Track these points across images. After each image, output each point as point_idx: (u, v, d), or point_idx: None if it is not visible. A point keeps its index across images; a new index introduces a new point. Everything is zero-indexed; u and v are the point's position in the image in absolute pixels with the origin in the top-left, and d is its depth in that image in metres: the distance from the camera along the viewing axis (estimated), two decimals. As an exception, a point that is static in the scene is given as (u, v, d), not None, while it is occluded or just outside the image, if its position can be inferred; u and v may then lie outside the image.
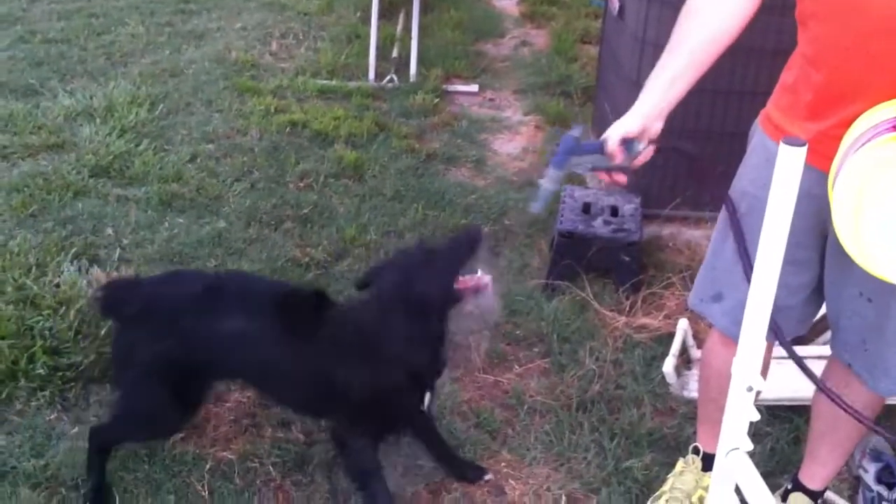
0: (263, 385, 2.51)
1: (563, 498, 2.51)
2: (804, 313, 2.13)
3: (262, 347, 2.30)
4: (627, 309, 3.30)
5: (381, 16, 5.83)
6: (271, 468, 2.57)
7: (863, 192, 1.47)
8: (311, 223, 3.88)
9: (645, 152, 1.85)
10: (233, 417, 2.76)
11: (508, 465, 2.63)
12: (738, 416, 1.56)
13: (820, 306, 2.13)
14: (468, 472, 2.57)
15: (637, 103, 1.85)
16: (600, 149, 1.83)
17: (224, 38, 6.35)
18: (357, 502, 2.43)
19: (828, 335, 2.48)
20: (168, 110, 5.00)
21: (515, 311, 3.32)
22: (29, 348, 2.84)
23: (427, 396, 2.32)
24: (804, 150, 1.31)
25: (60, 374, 2.81)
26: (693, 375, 2.96)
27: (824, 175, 1.65)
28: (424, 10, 6.29)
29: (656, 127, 1.84)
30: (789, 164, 1.32)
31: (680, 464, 2.49)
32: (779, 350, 1.74)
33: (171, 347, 2.28)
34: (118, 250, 3.57)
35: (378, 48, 5.70)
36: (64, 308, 3.02)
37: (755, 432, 2.60)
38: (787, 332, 2.15)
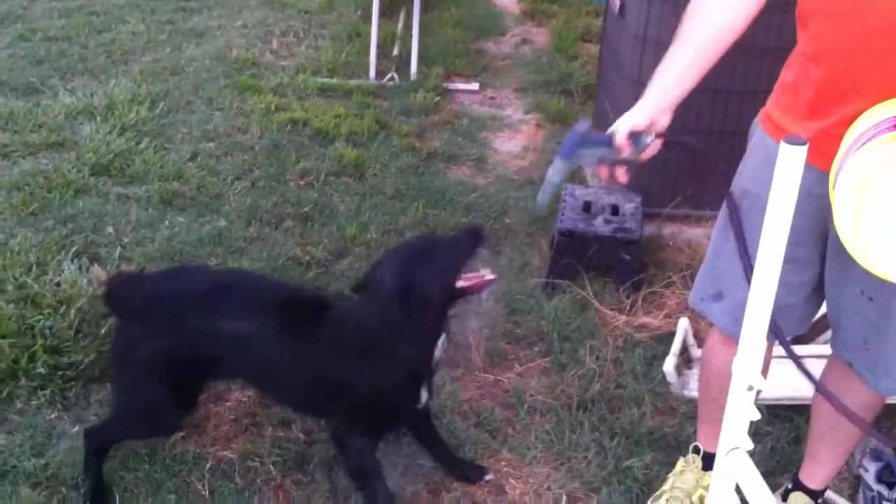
0: (263, 384, 2.51)
1: (564, 497, 2.51)
2: (804, 312, 2.13)
3: (262, 347, 2.30)
4: (628, 308, 3.30)
5: (381, 14, 5.82)
6: (272, 467, 2.57)
7: (863, 192, 1.46)
8: (312, 221, 3.88)
9: (652, 146, 1.84)
10: (233, 417, 2.76)
11: (509, 465, 2.63)
12: (739, 416, 1.55)
13: (820, 305, 2.13)
14: (468, 472, 2.57)
15: (645, 97, 1.85)
16: (608, 142, 1.82)
17: (225, 36, 6.34)
18: (357, 501, 2.43)
19: (828, 334, 2.48)
20: (169, 108, 5.00)
21: (516, 310, 3.32)
22: (29, 347, 2.84)
23: (424, 394, 2.32)
24: (805, 149, 1.31)
25: (61, 373, 2.81)
26: (693, 375, 2.96)
27: (825, 174, 1.65)
28: (425, 8, 6.28)
29: (664, 120, 1.84)
30: (790, 163, 1.32)
31: (680, 463, 2.48)
32: (779, 349, 1.74)
33: (173, 344, 2.28)
34: (119, 249, 3.57)
35: (379, 46, 5.70)
36: (64, 307, 3.03)
37: (755, 431, 2.60)
38: (787, 331, 2.14)
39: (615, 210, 3.58)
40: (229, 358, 2.34)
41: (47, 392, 2.76)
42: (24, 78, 5.33)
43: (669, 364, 2.92)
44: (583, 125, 1.88)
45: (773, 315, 1.47)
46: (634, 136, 1.81)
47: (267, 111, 4.97)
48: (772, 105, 2.00)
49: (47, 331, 2.91)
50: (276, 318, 2.30)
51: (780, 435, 2.69)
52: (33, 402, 2.74)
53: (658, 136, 1.84)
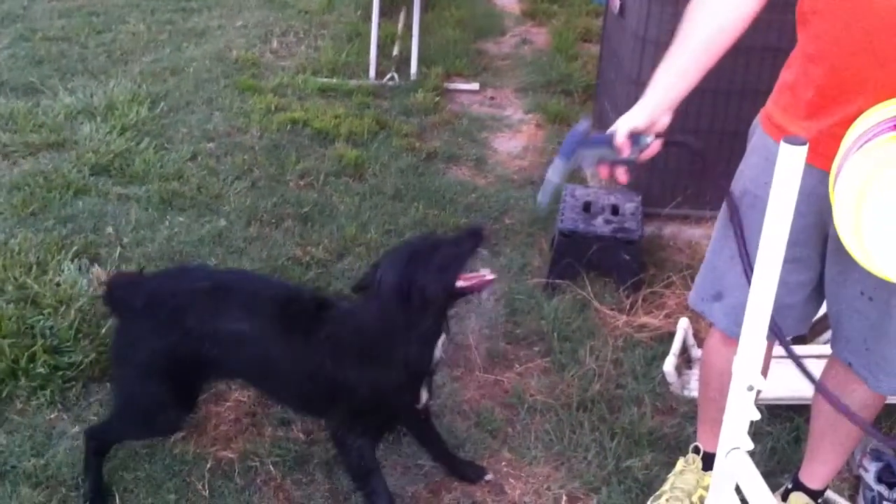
0: (263, 384, 2.51)
1: (564, 497, 2.51)
2: (804, 312, 2.13)
3: (262, 347, 2.30)
4: (628, 308, 3.30)
5: (381, 14, 5.83)
6: (272, 467, 2.57)
7: (864, 192, 1.46)
8: (312, 222, 3.88)
9: (652, 146, 1.84)
10: (233, 417, 2.76)
11: (509, 465, 2.63)
12: (739, 416, 1.55)
13: (820, 305, 2.13)
14: (468, 472, 2.57)
15: (645, 97, 1.85)
16: (608, 142, 1.82)
17: (225, 36, 6.35)
18: (357, 501, 2.43)
19: (828, 334, 2.48)
20: (169, 108, 5.00)
21: (516, 310, 3.32)
22: (29, 347, 2.84)
23: (424, 395, 2.32)
24: (805, 149, 1.31)
25: (61, 373, 2.81)
26: (693, 375, 2.96)
27: (825, 174, 1.65)
28: (425, 8, 6.29)
29: (664, 121, 1.84)
30: (790, 163, 1.32)
31: (680, 463, 2.48)
32: (779, 349, 1.74)
33: (173, 344, 2.28)
34: (119, 249, 3.57)
35: (379, 46, 5.71)
36: (64, 307, 3.03)
37: (755, 432, 2.60)
38: (786, 331, 2.15)
39: (615, 210, 3.58)
40: (229, 358, 2.34)
41: (47, 392, 2.75)
42: (24, 78, 5.34)
43: (669, 364, 2.91)
44: (583, 125, 1.87)
45: (772, 315, 1.47)
46: (634, 136, 1.81)
47: (267, 111, 4.98)
48: (772, 105, 1.99)
49: (47, 331, 2.91)
50: (276, 319, 2.30)
51: (780, 435, 2.69)
52: (33, 403, 2.74)
53: (658, 136, 1.84)
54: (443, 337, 2.23)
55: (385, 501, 2.31)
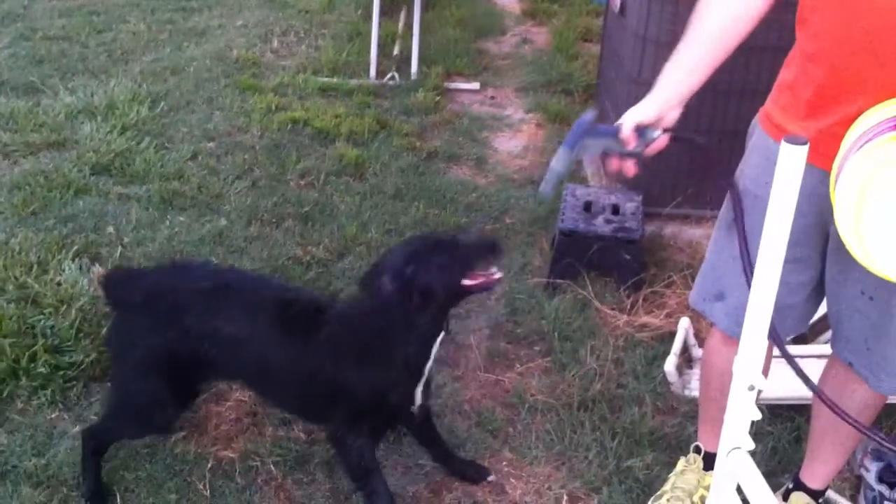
0: (262, 386, 2.49)
1: (565, 497, 2.51)
2: (804, 312, 2.13)
3: (259, 348, 2.30)
4: (629, 308, 3.30)
5: (382, 13, 5.83)
6: (273, 467, 2.57)
7: (864, 192, 1.46)
8: (312, 221, 3.88)
9: (659, 141, 1.83)
10: (234, 416, 2.76)
11: (510, 464, 2.63)
12: (740, 416, 1.55)
13: (819, 304, 2.13)
14: (471, 472, 2.57)
15: (654, 90, 1.84)
16: (614, 133, 1.81)
17: (225, 35, 6.35)
18: (358, 501, 2.43)
19: (828, 334, 2.48)
20: (169, 108, 5.00)
21: (517, 310, 3.32)
22: (30, 347, 2.84)
23: (418, 396, 2.31)
24: (806, 148, 1.31)
25: (62, 372, 2.81)
26: (694, 374, 2.96)
27: (825, 173, 1.65)
28: (426, 7, 6.29)
29: (672, 115, 1.84)
30: (791, 163, 1.32)
31: (681, 463, 2.48)
32: (782, 349, 1.73)
33: (171, 341, 2.28)
34: (119, 248, 3.57)
35: (379, 46, 5.70)
36: (65, 307, 3.03)
37: (756, 431, 2.60)
38: (786, 331, 2.16)
39: (616, 210, 3.58)
40: (227, 358, 2.34)
41: (48, 392, 2.75)
42: (24, 77, 5.34)
43: (670, 364, 2.91)
44: (589, 115, 1.85)
45: (772, 319, 1.47)
46: (641, 130, 1.81)
47: (267, 111, 4.98)
48: (771, 104, 1.99)
49: (48, 330, 2.92)
50: (273, 320, 2.30)
51: (781, 435, 2.69)
52: (34, 402, 2.74)
53: (665, 131, 1.83)
54: (441, 335, 2.22)
55: (385, 501, 2.31)
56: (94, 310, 3.03)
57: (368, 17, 5.97)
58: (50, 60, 5.67)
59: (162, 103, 5.02)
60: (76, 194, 3.99)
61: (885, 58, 1.65)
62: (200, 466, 2.55)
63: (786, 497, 2.40)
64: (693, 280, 2.31)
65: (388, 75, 5.56)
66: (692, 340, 3.09)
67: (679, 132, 1.86)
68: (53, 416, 2.71)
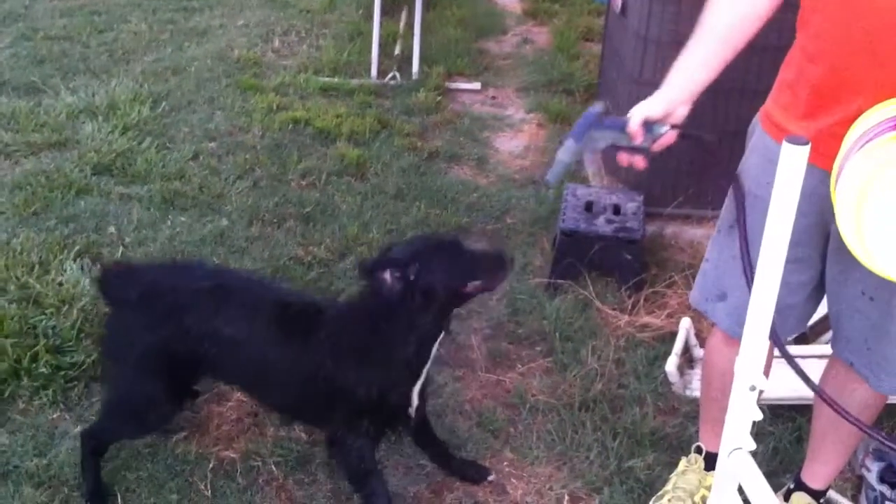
0: (259, 389, 2.47)
1: (566, 497, 2.51)
2: (805, 311, 2.13)
3: (259, 350, 2.29)
4: (630, 308, 3.30)
5: (383, 13, 5.82)
6: (274, 467, 2.57)
7: (865, 192, 1.46)
8: (314, 221, 3.88)
9: (666, 136, 1.83)
10: (235, 416, 2.76)
11: (511, 465, 2.63)
12: (741, 416, 1.55)
13: (819, 303, 2.13)
14: (472, 473, 2.57)
15: (664, 86, 1.84)
16: (621, 127, 1.81)
17: (226, 35, 6.35)
18: (358, 502, 2.43)
19: (829, 334, 2.48)
20: (170, 108, 5.00)
21: (518, 310, 3.32)
22: (32, 347, 2.84)
23: (415, 397, 2.30)
24: (807, 148, 1.31)
25: (63, 373, 2.81)
26: (696, 374, 2.96)
27: (825, 173, 1.65)
28: (427, 7, 6.28)
29: (681, 111, 1.84)
30: (792, 163, 1.32)
31: (682, 463, 2.48)
32: (783, 349, 1.73)
33: (166, 339, 2.28)
34: (121, 249, 3.57)
35: (380, 45, 5.70)
36: (67, 307, 3.03)
37: (758, 431, 2.60)
38: (787, 331, 2.16)
39: (617, 210, 3.58)
40: (223, 359, 2.33)
41: (49, 392, 2.75)
42: (25, 77, 5.34)
43: (671, 364, 2.91)
44: (597, 107, 1.85)
45: (773, 319, 1.47)
46: (649, 125, 1.81)
47: (269, 110, 4.98)
48: (771, 104, 1.99)
49: (49, 331, 2.92)
50: (272, 321, 2.29)
51: (783, 435, 2.69)
52: (35, 402, 2.74)
53: (673, 127, 1.83)
54: (441, 335, 2.22)
55: (384, 503, 2.31)
56: (96, 310, 3.03)
57: (369, 17, 5.97)
58: (51, 60, 5.67)
59: (163, 103, 5.02)
60: (77, 194, 3.99)
61: (884, 58, 1.65)
62: (202, 466, 2.55)
63: (787, 497, 2.40)
64: (694, 280, 2.31)
65: (390, 75, 5.56)
66: (693, 341, 3.09)
67: (687, 129, 1.86)
68: (55, 416, 2.71)
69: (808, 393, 2.44)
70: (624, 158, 1.86)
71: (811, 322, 2.61)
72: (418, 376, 2.26)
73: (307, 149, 4.57)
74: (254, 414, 2.76)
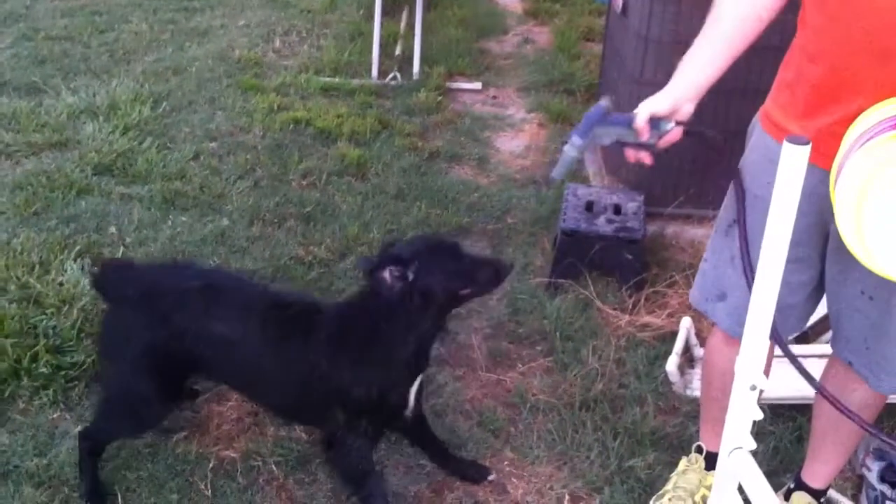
0: (256, 390, 2.47)
1: (566, 497, 2.51)
2: (805, 311, 2.13)
3: (256, 351, 2.29)
4: (630, 307, 3.30)
5: (384, 13, 5.82)
6: (274, 467, 2.57)
7: (865, 191, 1.46)
8: (314, 221, 3.88)
9: (672, 133, 1.83)
10: (235, 416, 2.76)
11: (511, 464, 2.63)
12: (741, 415, 1.55)
13: (818, 302, 2.13)
14: (472, 472, 2.56)
15: (670, 83, 1.84)
16: (627, 123, 1.81)
17: (227, 35, 6.35)
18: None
19: (829, 334, 2.48)
20: (171, 108, 5.00)
21: (518, 310, 3.32)
22: (32, 347, 2.84)
23: (412, 398, 2.30)
24: (808, 148, 1.31)
25: (63, 372, 2.81)
26: (696, 374, 2.95)
27: (825, 172, 1.64)
28: (428, 7, 6.29)
29: (687, 109, 1.83)
30: (793, 163, 1.32)
31: (683, 462, 2.48)
32: (782, 349, 1.73)
33: (163, 339, 2.27)
34: (121, 249, 3.57)
35: (381, 46, 5.70)
36: (67, 307, 3.03)
37: (758, 431, 2.59)
38: (788, 330, 2.16)
39: (618, 209, 3.58)
40: (219, 359, 2.33)
41: (50, 392, 2.76)
42: (26, 78, 5.34)
43: (672, 364, 2.91)
44: (603, 103, 1.85)
45: (774, 318, 1.47)
46: (655, 122, 1.80)
47: (269, 111, 4.98)
48: (771, 103, 1.99)
49: (50, 330, 2.92)
50: (271, 321, 2.29)
51: (783, 434, 2.69)
52: (36, 402, 2.74)
53: (679, 123, 1.83)
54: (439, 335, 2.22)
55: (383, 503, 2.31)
56: (96, 310, 3.02)
57: (370, 17, 5.97)
58: (52, 60, 5.67)
59: (164, 103, 5.02)
60: (78, 194, 3.99)
61: (885, 58, 1.65)
62: (202, 466, 2.55)
63: (787, 497, 2.40)
64: (695, 280, 2.31)
65: (390, 75, 5.56)
66: (694, 340, 3.09)
67: (693, 127, 1.86)
68: (55, 416, 2.71)
69: (808, 392, 2.45)
70: (631, 154, 1.86)
71: (811, 322, 2.61)
72: (416, 376, 2.26)
73: (308, 149, 4.57)
74: (254, 414, 2.76)
